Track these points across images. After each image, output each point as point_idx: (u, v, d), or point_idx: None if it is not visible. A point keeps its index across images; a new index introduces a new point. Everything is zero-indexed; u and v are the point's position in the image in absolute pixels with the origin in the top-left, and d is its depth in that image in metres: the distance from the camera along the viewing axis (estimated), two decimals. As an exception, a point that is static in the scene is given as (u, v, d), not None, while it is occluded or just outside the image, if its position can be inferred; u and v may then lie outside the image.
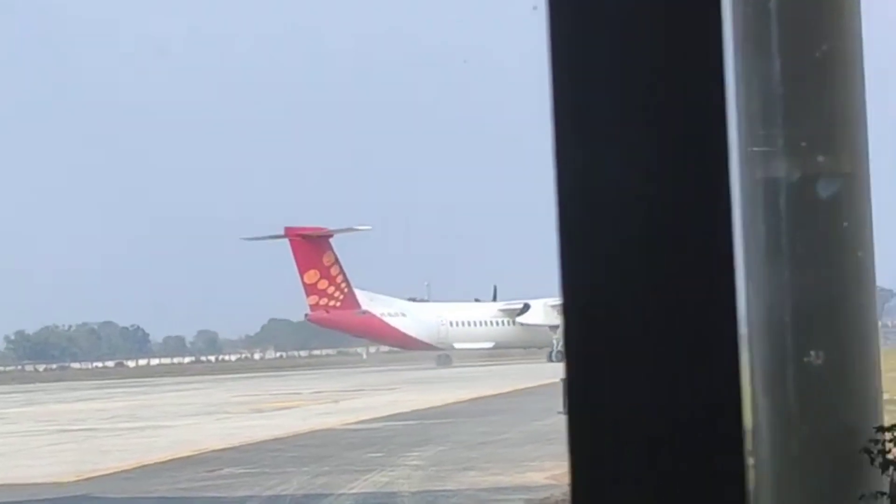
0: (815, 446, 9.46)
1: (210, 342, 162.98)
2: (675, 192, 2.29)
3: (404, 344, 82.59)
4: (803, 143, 9.53)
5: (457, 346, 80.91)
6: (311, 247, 78.68)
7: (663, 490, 2.23)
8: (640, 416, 2.23)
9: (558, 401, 31.35)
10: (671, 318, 2.24)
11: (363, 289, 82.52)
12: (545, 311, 78.92)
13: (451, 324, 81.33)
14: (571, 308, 2.40)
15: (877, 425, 9.35)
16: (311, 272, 79.19)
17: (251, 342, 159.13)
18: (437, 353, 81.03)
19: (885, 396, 30.75)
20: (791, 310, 9.57)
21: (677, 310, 2.25)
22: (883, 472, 9.25)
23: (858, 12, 9.80)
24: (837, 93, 9.70)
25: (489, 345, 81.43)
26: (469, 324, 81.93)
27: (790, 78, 9.59)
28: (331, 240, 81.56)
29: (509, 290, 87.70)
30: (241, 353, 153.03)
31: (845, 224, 9.60)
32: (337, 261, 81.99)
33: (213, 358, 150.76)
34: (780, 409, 9.58)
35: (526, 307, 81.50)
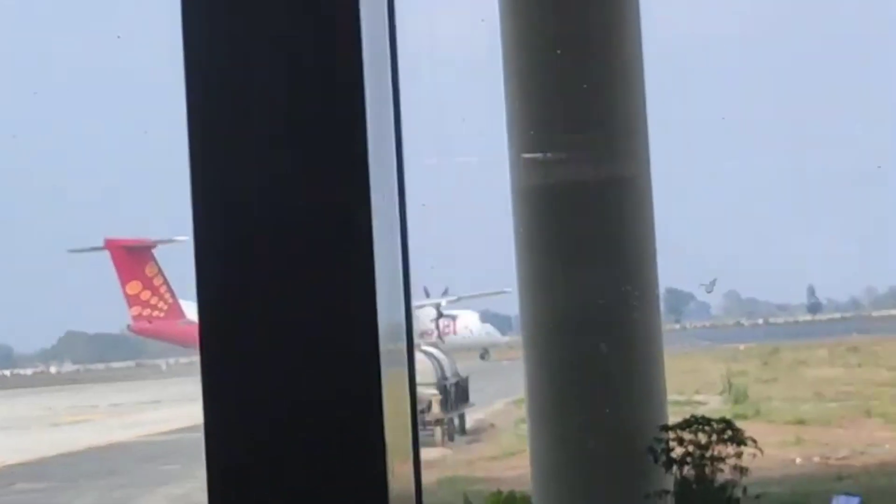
0: (599, 447, 9.77)
1: (5, 356, 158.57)
2: (311, 198, 2.38)
3: None
4: (584, 150, 9.83)
5: None
6: (132, 258, 78.34)
7: (300, 485, 2.30)
8: (273, 415, 2.32)
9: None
10: (303, 320, 2.36)
11: (193, 299, 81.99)
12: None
13: None
14: (205, 306, 2.51)
15: (661, 425, 9.70)
16: (133, 283, 78.90)
17: (47, 355, 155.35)
18: None
19: (682, 397, 31.50)
20: (576, 313, 9.89)
21: (312, 310, 2.36)
22: (667, 471, 9.58)
23: (638, 25, 10.17)
24: (618, 101, 10.04)
25: None
26: None
27: (568, 86, 9.91)
28: (154, 251, 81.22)
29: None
30: (36, 367, 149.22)
31: (627, 228, 9.95)
32: (160, 272, 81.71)
33: (7, 372, 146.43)
34: (564, 410, 9.89)
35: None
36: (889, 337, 77.26)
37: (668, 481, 9.58)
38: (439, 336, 79.64)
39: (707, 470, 9.48)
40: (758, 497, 9.84)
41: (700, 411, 35.32)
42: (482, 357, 78.30)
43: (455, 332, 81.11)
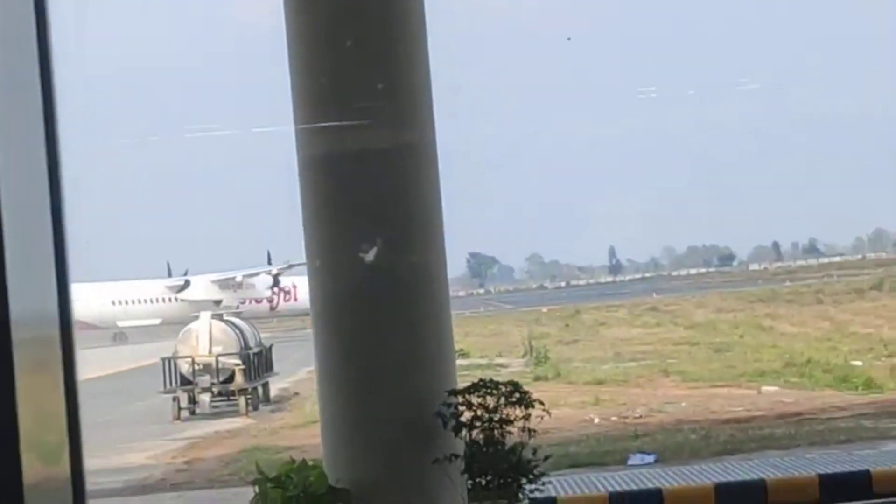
0: (388, 413, 9.80)
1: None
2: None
3: None
4: (367, 118, 9.82)
5: (120, 324, 79.41)
6: None
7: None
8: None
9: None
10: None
11: None
12: (207, 286, 79.20)
13: (113, 303, 80.00)
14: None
15: (449, 389, 9.76)
16: None
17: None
18: (103, 332, 76.20)
19: (484, 360, 31.76)
20: (364, 281, 9.89)
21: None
22: (456, 435, 9.65)
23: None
24: (402, 69, 10.04)
25: (156, 321, 78.43)
26: (133, 302, 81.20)
27: (351, 55, 9.88)
28: None
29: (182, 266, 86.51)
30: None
31: (413, 195, 9.98)
32: None
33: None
34: (353, 378, 9.90)
35: (187, 283, 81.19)
36: (687, 296, 79.43)
37: (459, 445, 9.63)
38: (273, 305, 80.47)
39: (496, 433, 9.56)
40: (546, 458, 9.96)
41: (502, 374, 36.02)
42: None
43: (296, 300, 77.25)
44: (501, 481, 9.52)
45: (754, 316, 58.83)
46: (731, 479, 15.76)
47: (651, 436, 20.79)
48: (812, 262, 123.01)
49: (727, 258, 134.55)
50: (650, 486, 15.68)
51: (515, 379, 25.01)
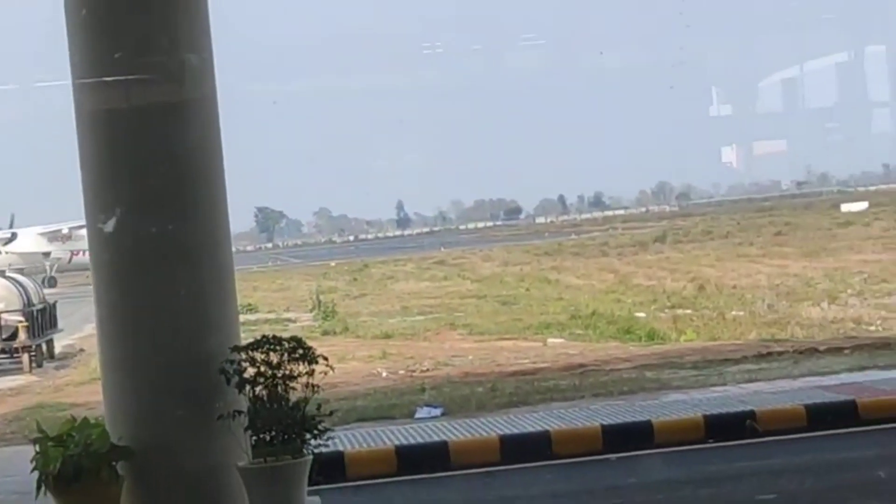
0: (170, 372, 9.62)
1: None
2: None
3: None
4: (139, 73, 9.58)
5: None
6: None
7: None
8: None
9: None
10: None
11: None
12: (35, 239, 79.19)
13: None
14: None
15: (232, 346, 9.62)
16: None
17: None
18: None
19: (273, 315, 31.43)
20: (143, 239, 9.67)
21: None
22: (240, 392, 9.52)
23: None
24: (181, 22, 9.81)
25: None
26: None
27: (129, 8, 9.62)
28: None
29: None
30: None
31: (193, 154, 9.77)
32: None
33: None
34: (132, 337, 9.69)
35: (14, 236, 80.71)
36: (474, 250, 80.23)
37: (243, 402, 9.50)
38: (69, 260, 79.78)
39: (280, 389, 9.45)
40: (331, 413, 9.89)
41: (290, 328, 35.91)
42: None
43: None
44: (285, 437, 9.42)
45: (541, 269, 59.73)
46: (516, 430, 15.94)
47: (438, 389, 20.91)
48: (597, 215, 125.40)
49: (514, 212, 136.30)
50: (436, 438, 15.77)
51: (303, 333, 24.92)
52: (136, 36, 9.67)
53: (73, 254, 76.01)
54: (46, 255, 76.84)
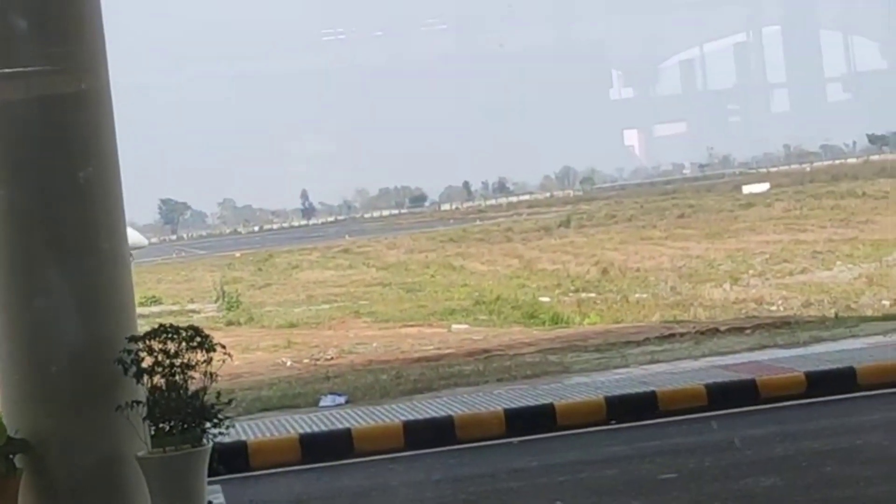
0: (67, 363, 9.54)
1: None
2: None
3: None
4: (30, 62, 9.51)
5: None
6: None
7: None
8: None
9: None
10: None
11: None
12: None
13: None
14: None
15: (129, 336, 9.54)
16: None
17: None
18: None
19: (177, 307, 31.22)
20: (36, 231, 9.60)
21: None
22: (138, 382, 9.45)
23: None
24: (74, 12, 9.74)
25: None
26: None
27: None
28: None
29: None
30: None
31: (77, 141, 9.69)
32: None
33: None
34: (28, 328, 9.60)
35: None
36: (379, 238, 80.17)
37: (141, 392, 9.43)
38: None
39: (178, 378, 9.38)
40: (230, 402, 9.84)
41: (194, 320, 35.65)
42: None
43: None
44: (185, 426, 9.36)
45: (445, 255, 59.83)
46: (419, 416, 15.96)
47: (342, 377, 20.89)
48: (502, 200, 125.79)
49: (419, 199, 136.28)
50: (340, 426, 15.75)
51: (208, 324, 24.74)
52: (27, 26, 9.57)
53: None
54: None
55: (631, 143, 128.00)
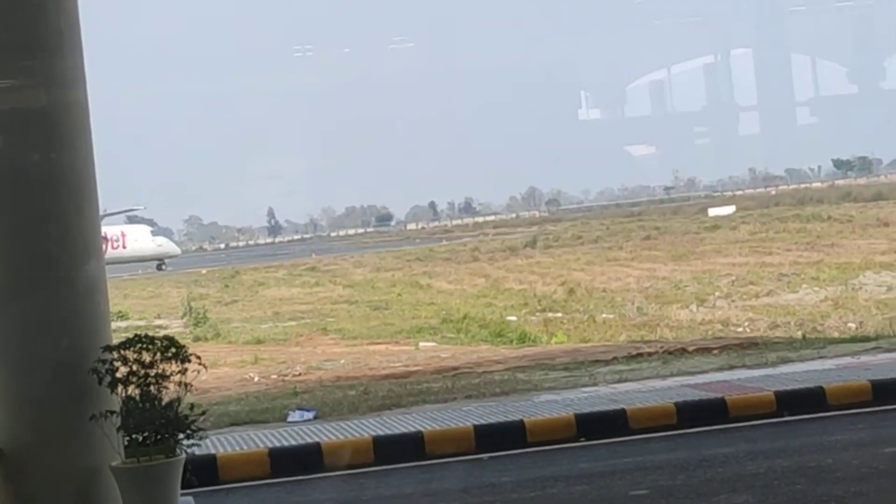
0: (41, 372, 9.49)
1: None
2: None
3: None
4: (5, 76, 9.48)
5: None
6: None
7: None
8: None
9: None
10: None
11: None
12: None
13: None
14: None
15: (104, 346, 9.50)
16: None
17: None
18: None
19: (144, 322, 31.01)
20: (11, 244, 9.57)
21: None
22: (113, 391, 9.41)
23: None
24: (51, 25, 9.70)
25: None
26: None
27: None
28: None
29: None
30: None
31: (53, 155, 9.67)
32: None
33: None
34: (5, 340, 9.55)
35: None
36: (345, 256, 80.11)
37: (115, 401, 9.38)
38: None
39: (152, 388, 9.34)
40: (203, 413, 9.80)
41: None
42: (159, 268, 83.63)
43: (125, 247, 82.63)
44: (158, 437, 9.31)
45: (412, 274, 59.81)
46: (389, 431, 15.95)
47: (311, 393, 20.86)
48: (468, 221, 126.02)
49: (385, 218, 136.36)
50: (309, 440, 15.72)
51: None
52: (2, 39, 9.56)
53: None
54: None
55: (598, 165, 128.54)
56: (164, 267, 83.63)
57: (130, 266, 77.60)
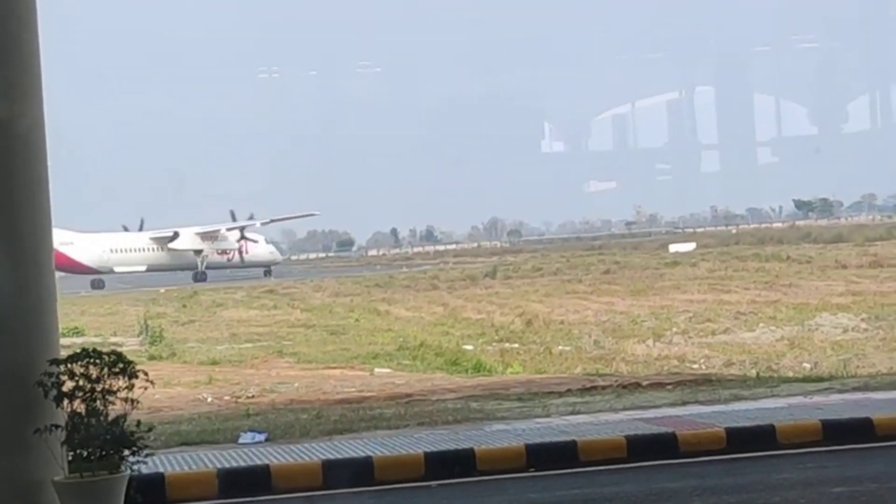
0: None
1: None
2: None
3: (73, 268, 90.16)
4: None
5: (116, 269, 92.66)
6: None
7: None
8: None
9: None
10: None
11: None
12: (191, 238, 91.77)
13: (111, 251, 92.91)
14: None
15: (50, 359, 9.43)
16: None
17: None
18: (94, 276, 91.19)
19: (99, 339, 30.61)
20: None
21: None
22: (58, 406, 9.34)
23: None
24: (10, 40, 9.68)
25: (143, 268, 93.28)
26: (126, 250, 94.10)
27: None
28: None
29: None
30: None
31: (7, 174, 9.62)
32: None
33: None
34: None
35: (176, 235, 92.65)
36: (305, 280, 79.94)
37: (60, 416, 9.31)
38: (230, 256, 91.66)
39: (98, 403, 9.28)
40: (150, 429, 9.73)
41: (115, 353, 35.30)
42: (266, 274, 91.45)
43: (248, 252, 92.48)
44: (103, 453, 9.25)
45: (371, 300, 59.74)
46: (339, 456, 15.88)
47: (263, 415, 20.74)
48: (429, 248, 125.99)
49: (346, 244, 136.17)
50: (259, 462, 15.64)
51: (130, 358, 24.32)
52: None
53: (225, 252, 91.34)
54: (198, 252, 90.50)
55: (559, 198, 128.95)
56: (270, 274, 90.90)
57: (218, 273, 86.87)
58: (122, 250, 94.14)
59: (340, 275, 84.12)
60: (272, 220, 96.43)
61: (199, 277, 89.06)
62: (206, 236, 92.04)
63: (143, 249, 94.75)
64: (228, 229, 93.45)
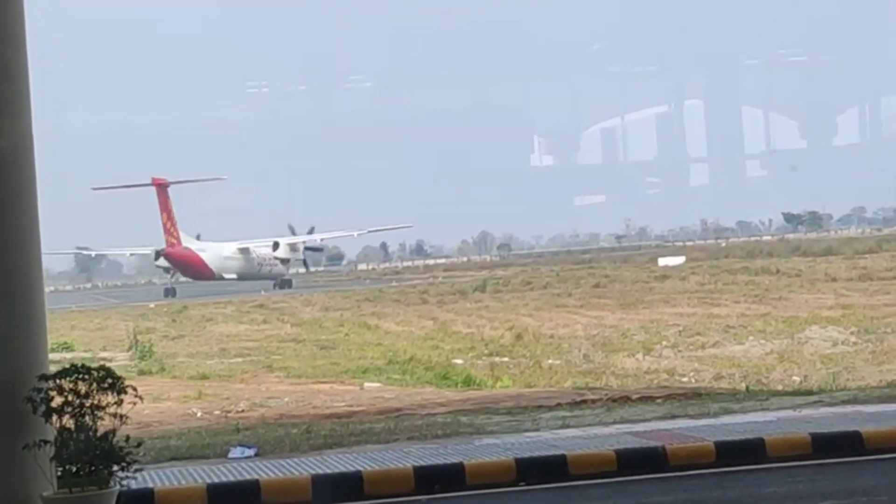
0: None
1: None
2: None
3: (206, 274, 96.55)
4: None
5: (225, 275, 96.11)
6: (165, 195, 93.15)
7: None
8: None
9: None
10: None
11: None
12: (284, 248, 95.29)
13: (224, 258, 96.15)
14: None
15: (39, 374, 9.43)
16: (164, 215, 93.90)
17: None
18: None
19: (89, 354, 30.62)
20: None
21: None
22: (47, 421, 9.34)
23: None
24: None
25: (234, 276, 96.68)
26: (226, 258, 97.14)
27: None
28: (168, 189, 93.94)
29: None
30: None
31: (11, 196, 9.64)
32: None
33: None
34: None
35: (276, 245, 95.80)
36: (295, 294, 79.96)
37: (49, 431, 9.30)
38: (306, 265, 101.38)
39: (87, 419, 9.28)
40: (139, 444, 9.74)
41: (105, 368, 35.27)
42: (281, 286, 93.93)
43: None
44: (92, 468, 9.24)
45: (361, 315, 59.72)
46: (328, 470, 15.88)
47: (253, 430, 20.72)
48: (419, 262, 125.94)
49: (336, 258, 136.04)
50: (248, 477, 15.63)
51: (120, 373, 24.33)
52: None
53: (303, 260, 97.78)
54: (285, 261, 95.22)
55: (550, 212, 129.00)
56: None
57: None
58: (226, 258, 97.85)
59: (330, 289, 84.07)
60: (368, 231, 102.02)
61: (284, 285, 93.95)
62: (292, 247, 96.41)
63: (233, 258, 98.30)
64: (322, 240, 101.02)
